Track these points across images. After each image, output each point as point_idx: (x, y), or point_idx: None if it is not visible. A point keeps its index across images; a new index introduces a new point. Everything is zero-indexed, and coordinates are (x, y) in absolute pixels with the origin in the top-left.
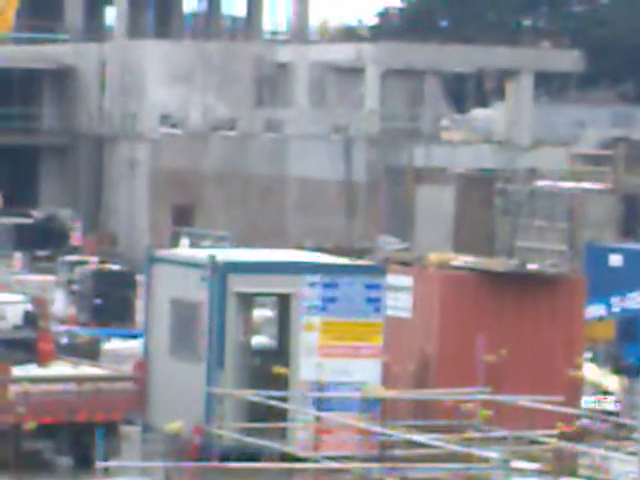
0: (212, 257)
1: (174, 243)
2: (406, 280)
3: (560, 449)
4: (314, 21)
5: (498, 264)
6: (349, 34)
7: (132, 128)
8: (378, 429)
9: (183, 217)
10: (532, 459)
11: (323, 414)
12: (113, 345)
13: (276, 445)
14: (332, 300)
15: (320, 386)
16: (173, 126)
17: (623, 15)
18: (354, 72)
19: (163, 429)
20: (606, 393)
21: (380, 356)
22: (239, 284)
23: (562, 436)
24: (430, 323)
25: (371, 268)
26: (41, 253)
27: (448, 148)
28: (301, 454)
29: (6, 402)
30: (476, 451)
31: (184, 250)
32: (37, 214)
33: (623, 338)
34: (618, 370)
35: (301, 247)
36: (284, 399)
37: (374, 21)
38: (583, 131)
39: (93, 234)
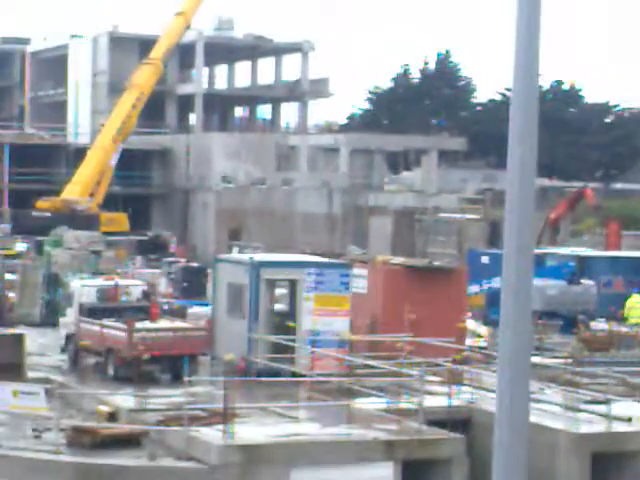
0: (251, 258)
1: (229, 251)
2: (363, 272)
3: (453, 368)
4: (311, 120)
5: (418, 262)
6: (330, 129)
7: (204, 184)
8: (348, 358)
9: (234, 236)
10: (437, 375)
11: (316, 349)
12: (194, 310)
13: (288, 367)
14: (321, 283)
15: (314, 333)
16: (228, 183)
17: (491, 115)
18: (334, 151)
19: (223, 358)
20: (480, 336)
21: (348, 315)
22: (267, 274)
23: (454, 362)
24: (377, 297)
25: (343, 264)
26: (152, 257)
27: (388, 195)
28: (303, 372)
29: (136, 343)
30: (405, 370)
31: (235, 255)
32: (150, 234)
33: (489, 304)
34: (486, 323)
35: (304, 253)
36: (293, 340)
37: (344, 121)
38: (466, 184)
39: (182, 246)
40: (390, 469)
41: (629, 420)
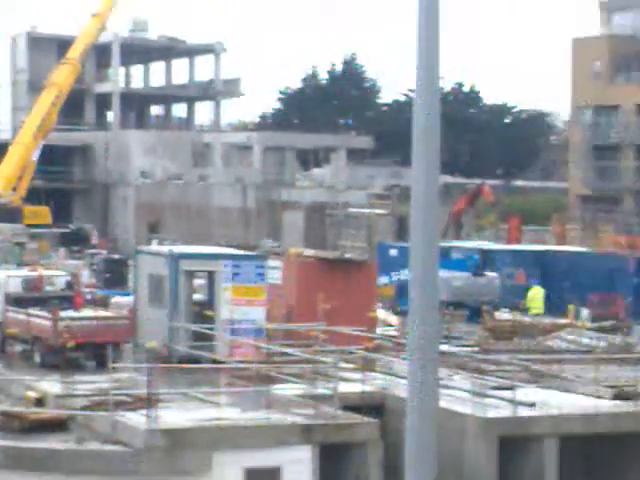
0: (171, 250)
1: (148, 243)
2: (278, 264)
3: (366, 356)
4: (225, 119)
5: (329, 254)
6: (244, 126)
7: (124, 179)
8: (265, 345)
9: (153, 229)
10: (350, 362)
11: (234, 337)
12: (116, 299)
13: (208, 354)
14: (237, 274)
15: (232, 322)
16: (146, 178)
17: (396, 115)
18: (247, 148)
19: (145, 346)
20: (390, 325)
21: (264, 305)
22: (186, 265)
23: (366, 349)
24: (292, 287)
25: (259, 256)
26: (74, 248)
27: (300, 191)
28: (222, 359)
29: (61, 331)
30: (320, 357)
31: (155, 247)
32: (72, 226)
33: (398, 295)
34: (396, 312)
35: (220, 245)
36: (212, 329)
37: (257, 119)
38: (374, 181)
39: (104, 238)
40: (309, 452)
41: (533, 405)
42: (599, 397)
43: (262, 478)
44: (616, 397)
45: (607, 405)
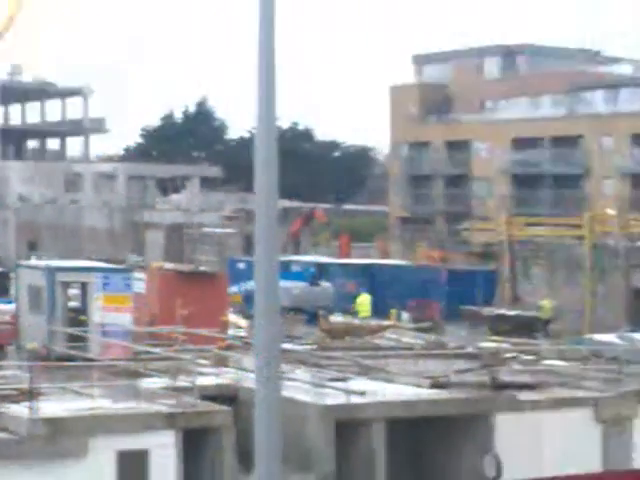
0: (48, 264)
1: (28, 259)
2: (142, 275)
3: (219, 354)
4: (93, 151)
5: (186, 267)
6: (110, 158)
7: (3, 203)
8: (132, 345)
9: (32, 246)
10: (206, 359)
11: (104, 339)
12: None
13: (83, 353)
14: (107, 284)
15: (102, 326)
16: (25, 202)
17: (240, 149)
18: (113, 177)
19: (27, 347)
20: (239, 327)
21: (131, 311)
22: (61, 277)
23: (220, 348)
24: (154, 296)
25: (125, 269)
26: None
27: (160, 213)
28: (95, 357)
29: None
30: (180, 355)
31: (34, 262)
32: None
33: (246, 301)
34: (245, 316)
35: (91, 259)
36: (85, 331)
37: (121, 152)
38: (224, 205)
39: None
40: (172, 437)
41: (363, 394)
42: (418, 386)
43: (132, 459)
44: (433, 386)
45: (425, 393)
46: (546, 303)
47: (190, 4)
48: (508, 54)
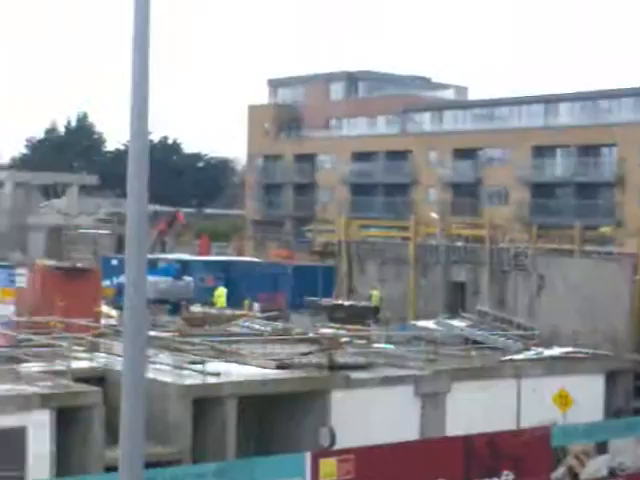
0: None
1: None
2: (25, 271)
3: (92, 340)
4: None
5: (65, 264)
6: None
7: None
8: (13, 333)
9: None
10: (81, 345)
11: None
12: None
13: None
14: None
15: None
16: None
17: (115, 159)
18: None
19: None
20: (111, 317)
21: (13, 303)
22: None
23: (93, 336)
24: (35, 289)
25: (9, 266)
26: None
27: (42, 216)
28: None
29: None
30: (57, 342)
31: None
32: None
33: (118, 294)
34: (116, 307)
35: None
36: None
37: (8, 161)
38: (100, 209)
39: None
40: (47, 416)
41: (218, 374)
42: (266, 367)
43: (11, 436)
44: (278, 367)
45: (272, 373)
46: (375, 293)
47: (72, 17)
48: (351, 79)
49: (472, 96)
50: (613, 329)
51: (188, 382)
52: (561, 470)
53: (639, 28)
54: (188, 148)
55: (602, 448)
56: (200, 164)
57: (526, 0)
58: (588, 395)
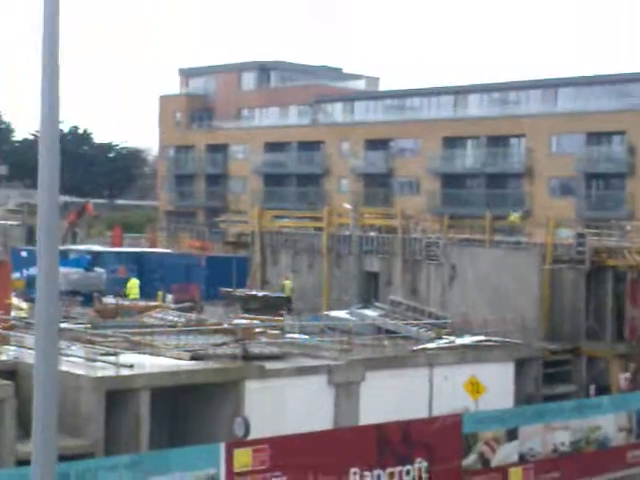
0: None
1: None
2: None
3: (2, 333)
4: None
5: None
6: None
7: None
8: None
9: None
10: None
11: None
12: None
13: None
14: None
15: None
16: None
17: (24, 149)
18: None
19: None
20: (21, 309)
21: None
22: None
23: (3, 328)
24: None
25: None
26: None
27: None
28: None
29: None
30: None
31: None
32: None
33: (29, 286)
34: (27, 300)
35: None
36: None
37: None
38: (9, 200)
39: None
40: None
41: (131, 366)
42: (180, 359)
43: None
44: (192, 358)
45: (186, 364)
46: (287, 283)
47: None
48: (263, 69)
49: (383, 87)
50: (522, 317)
51: (100, 374)
52: (472, 457)
53: (546, 22)
54: (99, 138)
55: (512, 434)
56: (111, 154)
57: None
58: (499, 382)
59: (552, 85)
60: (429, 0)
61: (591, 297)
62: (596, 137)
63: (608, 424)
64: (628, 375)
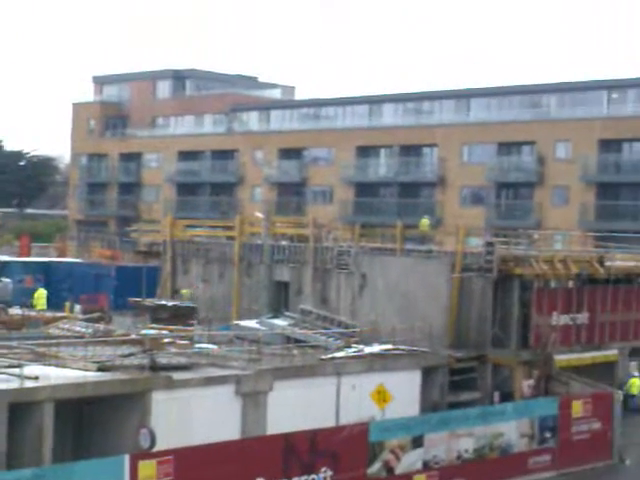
0: None
1: None
2: None
3: None
4: None
5: None
6: None
7: None
8: None
9: None
10: None
11: None
12: None
13: None
14: None
15: None
16: None
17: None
18: None
19: None
20: None
21: None
22: None
23: None
24: None
25: None
26: None
27: None
28: None
29: None
30: None
31: None
32: None
33: None
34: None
35: None
36: None
37: None
38: None
39: None
40: None
41: (36, 378)
42: (87, 370)
43: None
44: (99, 369)
45: (92, 375)
46: (185, 292)
47: None
48: (178, 77)
49: (299, 96)
50: (430, 325)
51: (2, 387)
52: (377, 465)
53: (458, 33)
54: (9, 146)
55: (418, 442)
56: (22, 162)
57: (351, 1)
58: (405, 390)
59: (465, 95)
60: (343, 10)
61: (498, 305)
62: (507, 147)
63: (511, 430)
64: (531, 382)
